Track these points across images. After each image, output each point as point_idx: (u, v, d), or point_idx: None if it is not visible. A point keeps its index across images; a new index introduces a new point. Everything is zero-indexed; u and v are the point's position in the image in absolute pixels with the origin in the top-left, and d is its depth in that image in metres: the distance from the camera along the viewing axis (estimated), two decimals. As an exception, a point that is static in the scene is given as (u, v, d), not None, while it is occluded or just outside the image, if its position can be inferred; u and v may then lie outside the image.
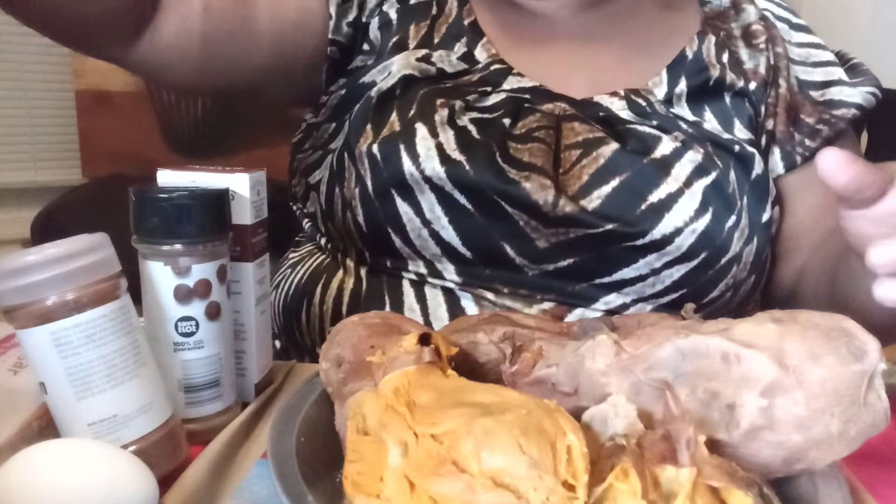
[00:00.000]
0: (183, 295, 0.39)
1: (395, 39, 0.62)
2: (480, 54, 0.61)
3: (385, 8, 0.64)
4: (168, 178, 0.42)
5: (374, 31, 0.64)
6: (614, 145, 0.54)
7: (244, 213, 0.43)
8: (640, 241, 0.53)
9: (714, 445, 0.30)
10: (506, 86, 0.59)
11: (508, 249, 0.54)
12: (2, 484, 0.30)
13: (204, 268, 0.39)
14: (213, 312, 0.40)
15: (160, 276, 0.39)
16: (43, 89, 1.68)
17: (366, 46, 0.64)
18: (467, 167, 0.53)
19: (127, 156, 1.70)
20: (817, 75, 0.62)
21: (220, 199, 0.40)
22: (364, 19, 0.64)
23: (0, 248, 1.62)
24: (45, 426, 0.37)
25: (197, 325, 0.40)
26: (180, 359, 0.40)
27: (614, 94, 0.59)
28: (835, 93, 0.61)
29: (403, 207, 0.55)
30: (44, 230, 1.35)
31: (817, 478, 0.33)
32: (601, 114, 0.57)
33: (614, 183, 0.53)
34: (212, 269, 0.40)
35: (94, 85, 1.66)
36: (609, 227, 0.53)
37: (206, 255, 0.39)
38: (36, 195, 1.62)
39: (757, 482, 0.28)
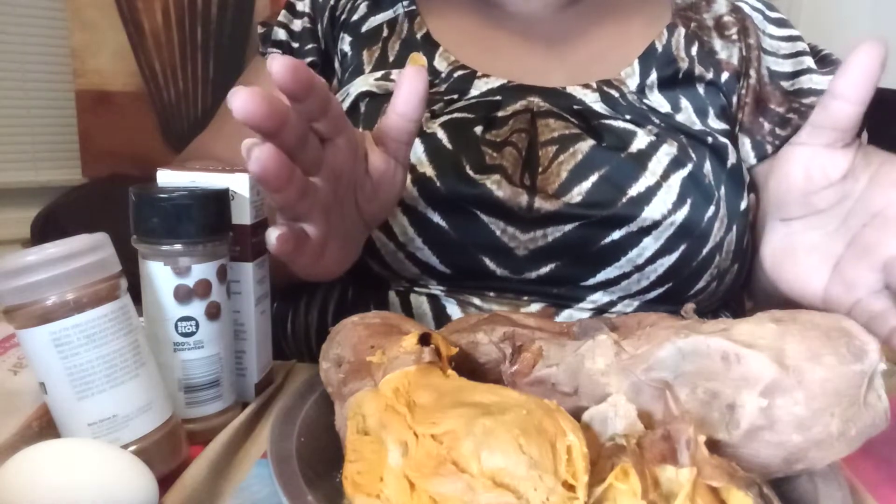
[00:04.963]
0: (183, 295, 0.39)
1: (351, 68, 0.64)
2: (440, 64, 0.61)
3: (340, 44, 0.65)
4: (168, 178, 0.42)
5: (337, 67, 0.66)
6: (591, 141, 0.54)
7: (244, 213, 0.43)
8: (618, 235, 0.53)
9: (714, 445, 0.30)
10: (473, 91, 0.59)
11: (488, 262, 0.54)
12: (2, 484, 0.30)
13: (204, 268, 0.39)
14: (213, 312, 0.40)
15: (160, 276, 0.39)
16: (43, 89, 1.68)
17: (335, 83, 0.67)
18: (438, 183, 0.53)
19: (127, 156, 1.70)
20: (787, 66, 0.63)
21: (220, 199, 0.40)
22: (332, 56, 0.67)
23: (0, 248, 1.62)
24: (45, 426, 0.37)
25: (197, 325, 0.40)
26: (180, 359, 0.40)
27: (587, 86, 0.59)
28: (804, 81, 0.61)
29: (376, 233, 0.54)
30: (44, 230, 1.35)
31: (817, 478, 0.33)
32: (575, 107, 0.57)
33: (593, 178, 0.53)
34: (212, 269, 0.40)
35: (94, 85, 1.66)
36: (595, 215, 0.53)
37: (206, 255, 0.39)
38: (36, 195, 1.62)
39: (757, 482, 0.28)
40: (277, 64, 0.33)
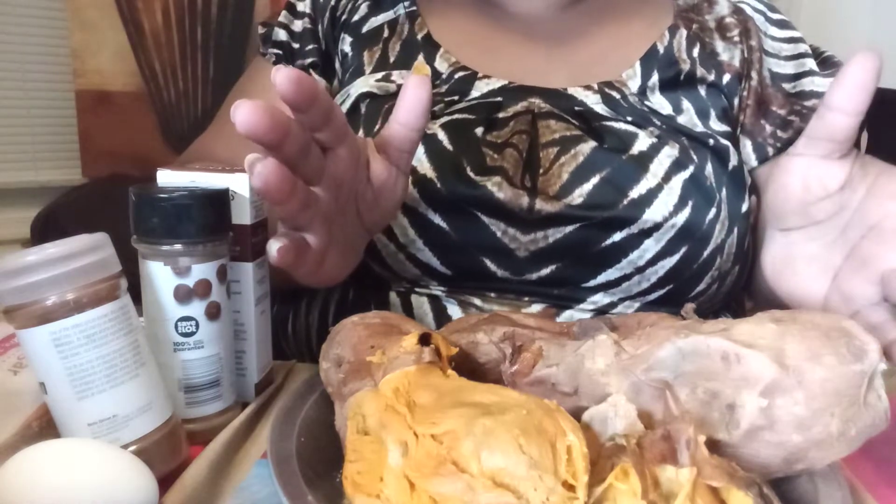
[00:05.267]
0: (183, 295, 0.39)
1: (351, 69, 0.64)
2: (441, 65, 0.61)
3: (340, 45, 0.65)
4: (168, 178, 0.42)
5: (338, 68, 0.66)
6: (592, 143, 0.54)
7: (244, 213, 0.43)
8: (619, 236, 0.53)
9: (714, 445, 0.30)
10: (474, 92, 0.59)
11: (489, 264, 0.54)
12: (2, 484, 0.30)
13: (204, 268, 0.39)
14: (213, 312, 0.40)
15: (160, 276, 0.39)
16: (43, 89, 1.68)
17: (335, 84, 0.67)
18: (438, 184, 0.53)
19: (127, 156, 1.70)
20: (789, 68, 0.63)
21: (220, 199, 0.40)
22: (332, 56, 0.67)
23: (0, 248, 1.62)
24: (45, 426, 0.37)
25: (197, 325, 0.40)
26: (180, 359, 0.40)
27: (588, 87, 0.59)
28: (806, 83, 0.62)
29: (376, 234, 0.54)
30: (44, 230, 1.35)
31: (817, 478, 0.33)
32: (576, 108, 0.57)
33: (595, 180, 0.53)
34: (212, 269, 0.40)
35: (94, 85, 1.66)
36: (596, 216, 0.53)
37: (206, 255, 0.39)
38: (36, 195, 1.62)
39: (757, 482, 0.28)
40: (281, 76, 0.33)
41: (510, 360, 0.37)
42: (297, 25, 0.67)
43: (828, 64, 0.64)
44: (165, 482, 0.34)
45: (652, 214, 0.52)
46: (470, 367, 0.39)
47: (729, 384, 0.30)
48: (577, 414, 0.31)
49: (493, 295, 0.55)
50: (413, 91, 0.41)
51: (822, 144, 0.42)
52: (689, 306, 0.38)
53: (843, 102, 0.40)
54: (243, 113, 0.32)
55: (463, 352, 0.39)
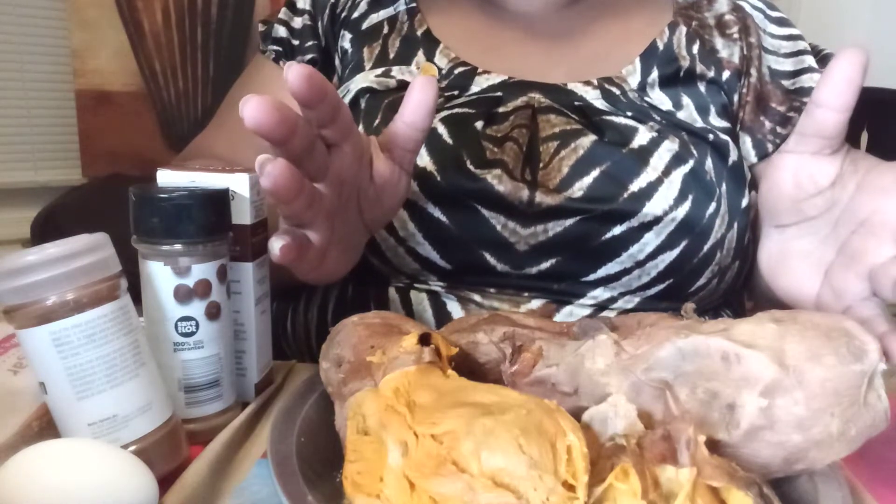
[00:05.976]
0: (183, 295, 0.39)
1: (351, 65, 0.64)
2: (440, 61, 0.62)
3: (340, 42, 0.66)
4: (168, 177, 0.42)
5: (337, 64, 0.66)
6: (592, 137, 0.54)
7: (244, 213, 0.43)
8: (619, 230, 0.53)
9: (714, 445, 0.30)
10: (474, 87, 0.59)
11: (489, 258, 0.54)
12: (2, 484, 0.30)
13: (204, 268, 0.39)
14: (213, 312, 0.40)
15: (160, 276, 0.39)
16: (43, 89, 1.68)
17: (335, 80, 0.67)
18: (438, 177, 0.53)
19: (127, 156, 1.70)
20: (788, 65, 0.63)
21: (220, 199, 0.40)
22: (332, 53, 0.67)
23: (0, 248, 1.62)
24: (45, 426, 0.37)
25: (197, 325, 0.40)
26: (180, 359, 0.40)
27: (588, 83, 0.59)
28: (805, 80, 0.62)
29: None
30: (44, 230, 1.35)
31: (817, 478, 0.33)
32: (576, 103, 0.57)
33: (595, 173, 0.53)
34: (212, 269, 0.40)
35: (94, 85, 1.66)
36: (596, 209, 0.53)
37: (206, 255, 0.39)
38: (36, 195, 1.62)
39: (757, 482, 0.28)
40: (293, 73, 0.33)
41: (510, 360, 0.37)
42: (297, 22, 0.67)
43: (827, 62, 0.64)
44: (165, 482, 0.34)
45: (652, 208, 0.52)
46: (470, 367, 0.39)
47: (729, 384, 0.30)
48: (577, 414, 0.31)
49: (492, 291, 0.55)
50: (420, 91, 0.41)
51: (812, 141, 0.42)
52: (689, 306, 0.38)
53: (830, 98, 0.40)
54: (251, 108, 0.32)
55: (463, 352, 0.39)
